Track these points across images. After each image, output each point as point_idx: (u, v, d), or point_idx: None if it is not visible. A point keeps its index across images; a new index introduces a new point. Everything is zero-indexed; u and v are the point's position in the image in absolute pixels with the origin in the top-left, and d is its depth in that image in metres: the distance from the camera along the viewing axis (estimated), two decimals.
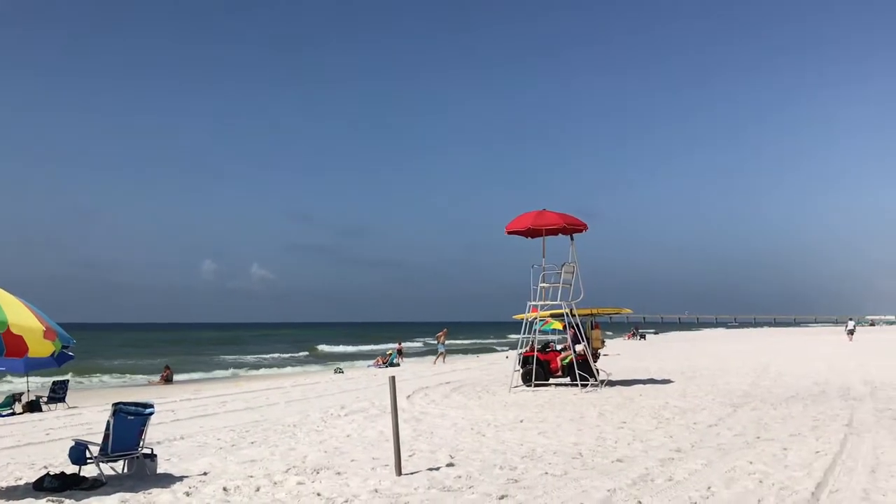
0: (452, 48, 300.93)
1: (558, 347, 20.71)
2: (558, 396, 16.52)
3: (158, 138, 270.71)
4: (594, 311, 20.31)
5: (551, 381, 19.39)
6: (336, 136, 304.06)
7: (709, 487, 7.28)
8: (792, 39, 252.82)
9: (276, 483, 7.84)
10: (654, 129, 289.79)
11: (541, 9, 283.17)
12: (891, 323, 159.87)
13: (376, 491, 7.40)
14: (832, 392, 16.31)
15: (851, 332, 57.12)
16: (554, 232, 19.07)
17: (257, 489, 7.59)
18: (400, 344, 37.86)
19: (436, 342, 36.33)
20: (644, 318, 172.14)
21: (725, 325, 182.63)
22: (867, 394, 15.80)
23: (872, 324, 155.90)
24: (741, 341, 56.03)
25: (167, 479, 8.07)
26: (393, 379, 8.76)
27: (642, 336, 70.20)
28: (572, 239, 19.03)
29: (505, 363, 29.05)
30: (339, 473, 8.27)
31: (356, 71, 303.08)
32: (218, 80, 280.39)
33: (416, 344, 67.29)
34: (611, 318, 76.98)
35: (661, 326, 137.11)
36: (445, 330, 36.21)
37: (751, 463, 8.44)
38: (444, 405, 15.22)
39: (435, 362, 33.85)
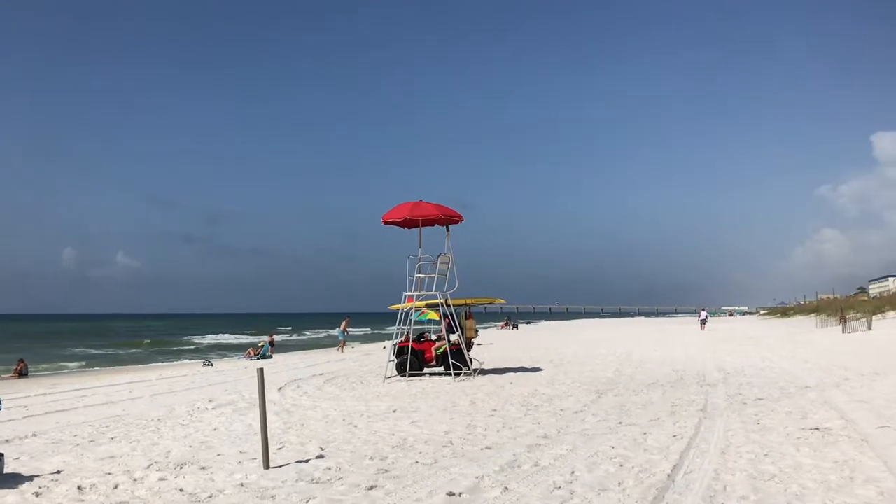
0: (331, 33, 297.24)
1: (433, 337, 20.89)
2: (432, 386, 16.65)
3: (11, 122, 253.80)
4: (468, 301, 20.60)
5: (426, 370, 19.53)
6: (209, 121, 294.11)
7: (572, 472, 7.51)
8: (656, 38, 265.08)
9: (135, 480, 7.49)
10: (534, 123, 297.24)
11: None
12: (743, 314, 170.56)
13: (242, 485, 7.21)
14: (689, 379, 17.21)
15: (704, 322, 60.54)
16: (430, 223, 19.21)
17: (115, 487, 7.22)
18: (272, 335, 37.09)
19: (338, 331, 36.36)
20: (517, 308, 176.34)
21: (594, 314, 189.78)
22: (720, 380, 16.76)
23: (731, 314, 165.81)
24: (607, 330, 58.24)
25: (15, 480, 7.55)
26: (261, 371, 8.55)
27: (515, 325, 71.85)
28: (448, 230, 19.21)
29: (380, 354, 29.02)
30: (203, 468, 8.00)
31: (235, 54, 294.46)
32: (83, 61, 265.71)
33: (321, 334, 66.52)
34: (485, 308, 78.41)
35: (534, 316, 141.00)
36: (348, 319, 36.16)
37: (612, 447, 8.78)
38: (317, 397, 15.03)
39: (339, 350, 34.21)
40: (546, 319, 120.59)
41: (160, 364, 34.12)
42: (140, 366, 32.85)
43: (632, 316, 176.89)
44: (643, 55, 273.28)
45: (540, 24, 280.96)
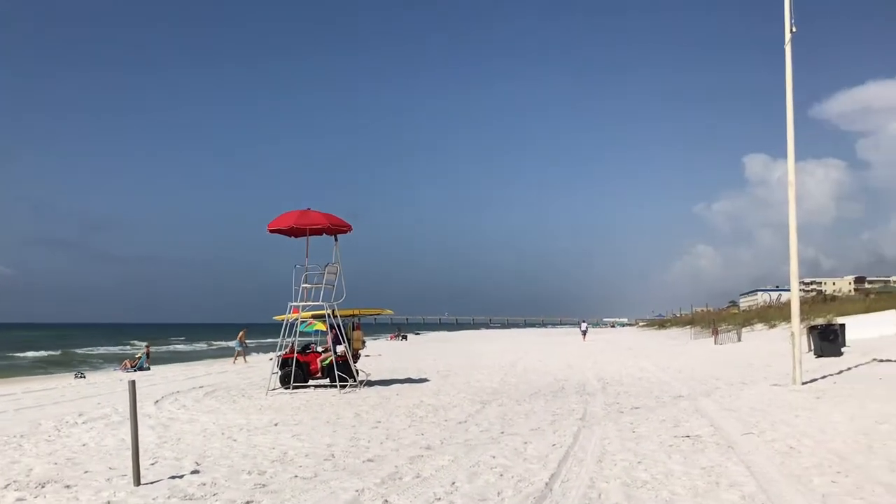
0: (217, 39, 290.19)
1: (319, 349, 20.60)
2: (316, 398, 16.40)
3: None
4: (356, 312, 20.44)
5: (311, 382, 19.23)
6: (80, 124, 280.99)
7: (453, 482, 7.54)
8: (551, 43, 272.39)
9: None
10: (424, 138, 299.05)
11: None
12: (623, 325, 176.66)
13: (109, 503, 6.87)
14: (570, 388, 17.64)
15: (585, 333, 62.50)
16: (318, 231, 18.91)
17: None
18: (148, 347, 35.60)
19: (235, 342, 35.48)
20: (407, 319, 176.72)
21: (482, 325, 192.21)
22: (600, 389, 17.26)
23: (613, 325, 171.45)
24: (495, 341, 59.13)
25: None
26: (133, 383, 8.20)
27: (404, 337, 71.89)
28: (336, 239, 19.01)
29: (264, 366, 28.37)
30: (68, 486, 7.57)
31: (116, 56, 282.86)
32: None
33: (220, 343, 64.32)
34: (375, 319, 78.14)
35: (424, 327, 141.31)
36: (245, 330, 35.30)
37: (494, 457, 8.87)
38: (195, 410, 14.53)
39: (234, 361, 33.47)
40: (436, 330, 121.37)
41: (28, 377, 32.15)
42: (4, 379, 30.88)
43: (519, 327, 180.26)
44: (525, 77, 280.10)
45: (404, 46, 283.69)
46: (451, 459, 8.80)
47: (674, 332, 69.67)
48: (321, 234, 19.10)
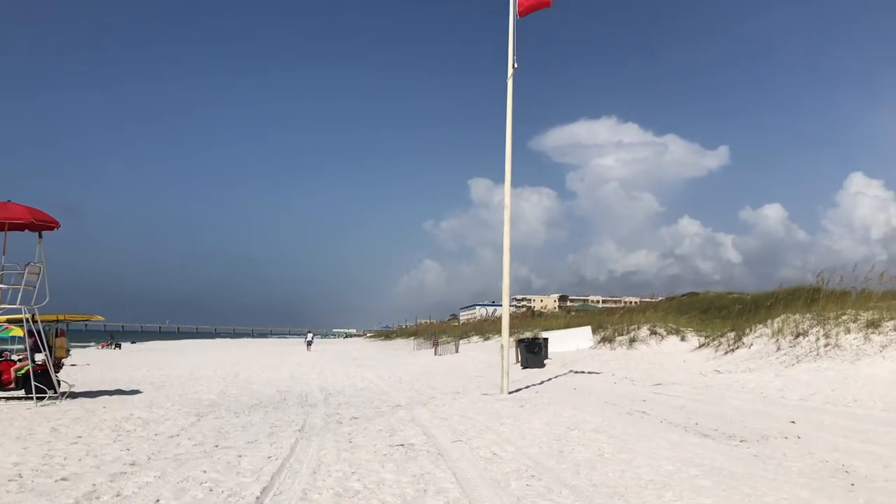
0: None
1: (14, 357, 18.49)
2: (7, 412, 14.69)
3: None
4: (60, 317, 18.70)
5: (2, 394, 17.22)
6: None
7: (157, 500, 7.12)
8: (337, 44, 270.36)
9: None
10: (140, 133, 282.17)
11: None
12: (351, 336, 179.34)
13: None
14: (292, 399, 17.49)
15: (310, 344, 62.66)
16: (19, 227, 17.01)
17: None
18: None
19: None
20: (123, 326, 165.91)
21: (207, 335, 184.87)
22: (321, 400, 17.31)
23: (347, 336, 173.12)
24: (218, 351, 57.13)
25: None
26: None
27: (118, 345, 67.09)
28: (41, 236, 17.24)
29: None
30: None
31: None
32: None
33: None
34: (86, 325, 72.08)
35: (141, 335, 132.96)
36: None
37: (205, 472, 8.51)
38: None
39: None
40: (156, 339, 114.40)
41: None
42: None
43: (247, 336, 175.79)
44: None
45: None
46: (157, 476, 8.30)
47: (399, 343, 72.03)
48: (23, 230, 17.22)
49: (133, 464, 9.06)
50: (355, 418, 13.77)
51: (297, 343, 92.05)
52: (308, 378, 25.20)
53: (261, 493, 7.46)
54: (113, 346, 65.17)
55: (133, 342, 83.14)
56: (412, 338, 70.90)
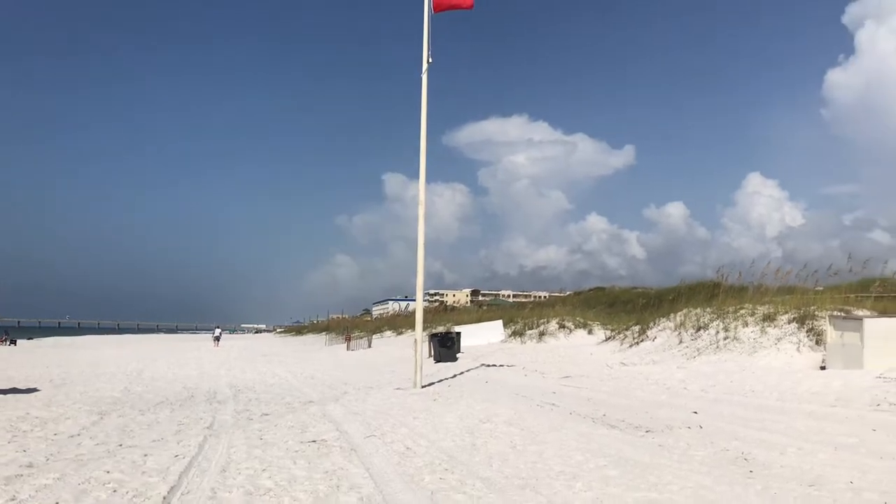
0: None
1: None
2: None
3: None
4: None
5: None
6: None
7: (57, 503, 6.84)
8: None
9: None
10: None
11: None
12: (261, 331, 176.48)
13: None
14: (200, 396, 17.08)
15: (217, 339, 61.34)
16: None
17: None
18: None
19: None
20: (19, 321, 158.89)
21: (110, 330, 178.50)
22: (231, 397, 16.96)
23: (258, 331, 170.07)
24: (122, 347, 55.27)
25: None
26: None
27: (13, 341, 63.99)
28: None
29: None
30: None
31: None
32: None
33: None
34: None
35: (39, 331, 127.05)
36: None
37: (108, 472, 8.21)
38: None
39: None
40: (55, 335, 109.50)
41: None
42: None
43: (152, 332, 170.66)
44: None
45: None
46: (56, 477, 7.95)
47: (310, 338, 71.30)
48: None
49: (30, 465, 8.65)
50: (266, 415, 13.54)
51: (204, 339, 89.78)
52: (217, 374, 24.65)
53: (168, 492, 7.26)
54: (8, 343, 62.14)
55: (30, 338, 79.19)
56: (324, 333, 70.20)
